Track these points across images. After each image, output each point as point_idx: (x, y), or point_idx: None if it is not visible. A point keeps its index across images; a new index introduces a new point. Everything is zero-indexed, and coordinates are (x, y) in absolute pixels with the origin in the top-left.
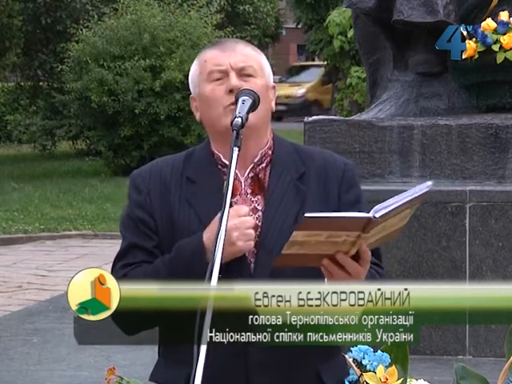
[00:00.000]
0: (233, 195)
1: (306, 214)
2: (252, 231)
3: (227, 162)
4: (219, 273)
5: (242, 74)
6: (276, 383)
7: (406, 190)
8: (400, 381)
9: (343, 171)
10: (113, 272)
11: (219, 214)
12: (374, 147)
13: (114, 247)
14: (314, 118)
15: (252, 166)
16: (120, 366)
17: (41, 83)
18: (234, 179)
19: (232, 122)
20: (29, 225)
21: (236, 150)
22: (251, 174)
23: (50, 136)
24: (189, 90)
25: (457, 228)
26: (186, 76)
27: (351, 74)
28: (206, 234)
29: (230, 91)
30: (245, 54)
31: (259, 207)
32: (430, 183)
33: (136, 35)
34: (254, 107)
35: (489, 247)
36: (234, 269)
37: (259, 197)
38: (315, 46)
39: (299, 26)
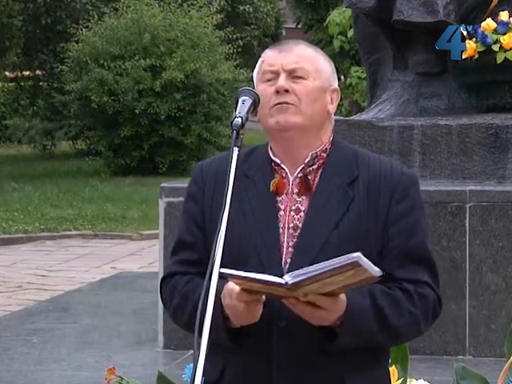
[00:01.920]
0: (279, 193)
1: (221, 270)
2: (248, 313)
3: (277, 160)
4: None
5: (293, 75)
6: None
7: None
8: (400, 381)
9: (398, 181)
10: (168, 263)
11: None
12: (374, 147)
13: (114, 247)
14: None
15: (302, 166)
16: (120, 366)
17: (41, 83)
18: (283, 178)
19: (232, 122)
20: (29, 225)
21: (236, 149)
22: (300, 175)
23: (49, 137)
24: (189, 89)
25: (457, 228)
26: (187, 76)
27: (351, 74)
28: (222, 297)
29: (277, 92)
30: (299, 55)
31: (302, 208)
32: (357, 254)
33: (136, 35)
34: (254, 107)
35: (489, 247)
36: (270, 268)
37: (304, 197)
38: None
39: (299, 26)
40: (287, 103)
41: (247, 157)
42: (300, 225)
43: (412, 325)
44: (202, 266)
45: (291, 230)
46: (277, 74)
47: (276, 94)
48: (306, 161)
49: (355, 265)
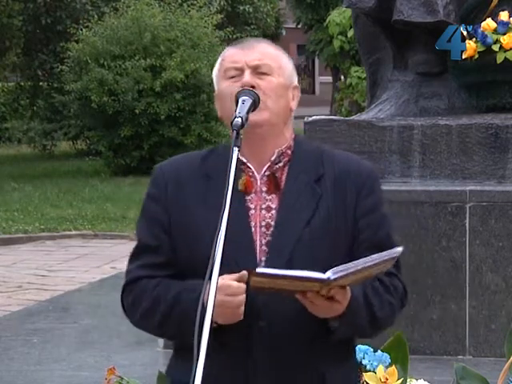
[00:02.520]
0: (248, 192)
1: (257, 269)
2: (234, 311)
3: (243, 159)
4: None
5: (257, 71)
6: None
7: (405, 191)
8: (400, 381)
9: (364, 176)
10: (126, 269)
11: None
12: (374, 147)
13: (113, 247)
14: (314, 117)
15: (269, 164)
16: (120, 366)
17: (41, 83)
18: (250, 177)
19: (232, 122)
20: (29, 225)
21: (236, 149)
22: (267, 173)
23: (49, 137)
24: (189, 89)
25: (457, 228)
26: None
27: (351, 74)
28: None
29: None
30: (262, 52)
31: (273, 205)
32: (400, 249)
33: (136, 35)
34: (254, 107)
35: (489, 247)
36: (244, 266)
37: (274, 195)
38: (315, 45)
39: (299, 26)
40: None
41: (205, 159)
42: (272, 223)
43: (390, 315)
44: (169, 269)
45: (263, 229)
46: (241, 71)
47: None
48: (273, 158)
49: (393, 259)
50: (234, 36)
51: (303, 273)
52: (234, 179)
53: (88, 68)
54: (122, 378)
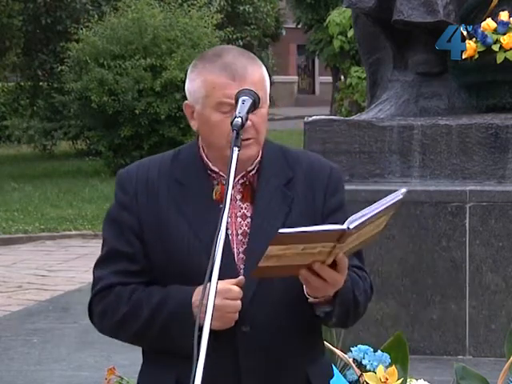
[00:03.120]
0: (222, 201)
1: (280, 230)
2: (233, 315)
3: (216, 169)
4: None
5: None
6: None
7: (405, 191)
8: (400, 381)
9: (329, 176)
10: (94, 276)
11: (201, 287)
12: (374, 147)
13: None
14: (314, 117)
15: (244, 173)
16: (120, 365)
17: (41, 83)
18: (223, 185)
19: (232, 122)
20: (29, 225)
21: (236, 149)
22: (241, 181)
23: (49, 137)
24: None
25: (457, 228)
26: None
27: (351, 74)
28: (194, 297)
29: None
30: (254, 83)
31: (248, 213)
32: (404, 190)
33: (136, 35)
34: (253, 107)
35: (489, 247)
36: (224, 274)
37: (248, 203)
38: (315, 45)
39: (299, 26)
40: (249, 139)
41: (174, 161)
42: (248, 231)
43: (364, 303)
44: (143, 276)
45: (240, 237)
46: (234, 105)
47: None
48: (249, 169)
49: (398, 204)
50: (234, 36)
51: (321, 227)
52: (207, 188)
53: (88, 68)
54: (122, 378)
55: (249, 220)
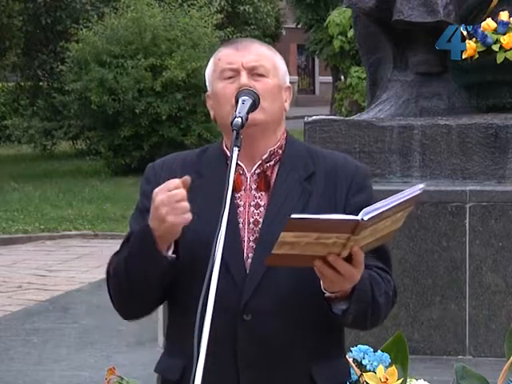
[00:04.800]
0: (237, 190)
1: (292, 216)
2: (184, 204)
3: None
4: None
5: (254, 73)
6: (266, 383)
7: (405, 190)
8: (400, 381)
9: (353, 175)
10: (111, 259)
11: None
12: (374, 147)
13: (114, 247)
14: (314, 117)
15: (260, 162)
16: (120, 365)
17: (41, 83)
18: (240, 174)
19: (232, 122)
20: (29, 225)
21: (236, 149)
22: (258, 171)
23: (49, 137)
24: (189, 89)
25: (457, 228)
26: (188, 75)
27: (351, 74)
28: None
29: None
30: (258, 54)
31: (261, 203)
32: (422, 186)
33: (136, 35)
34: (254, 107)
35: (489, 247)
36: (230, 262)
37: (263, 193)
38: (315, 45)
39: (299, 26)
40: None
41: (199, 157)
42: (260, 220)
43: (386, 305)
44: None
45: (252, 225)
46: (237, 72)
47: None
48: (264, 157)
49: (416, 199)
50: (234, 36)
51: (334, 216)
52: (223, 178)
53: (88, 68)
54: (122, 378)
55: (261, 209)
